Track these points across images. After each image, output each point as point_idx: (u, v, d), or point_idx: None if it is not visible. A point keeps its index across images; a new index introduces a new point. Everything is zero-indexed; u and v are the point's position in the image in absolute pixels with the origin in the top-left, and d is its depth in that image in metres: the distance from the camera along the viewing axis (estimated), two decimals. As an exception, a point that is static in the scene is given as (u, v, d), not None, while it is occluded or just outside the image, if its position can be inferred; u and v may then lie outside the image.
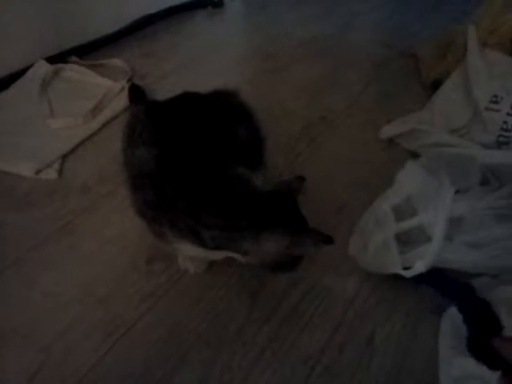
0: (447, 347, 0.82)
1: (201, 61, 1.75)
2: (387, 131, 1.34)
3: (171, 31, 1.95)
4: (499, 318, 0.79)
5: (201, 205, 0.71)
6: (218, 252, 0.76)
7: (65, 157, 1.26)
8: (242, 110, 0.92)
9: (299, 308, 0.91)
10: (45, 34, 1.60)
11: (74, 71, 1.60)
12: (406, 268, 0.85)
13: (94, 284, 0.94)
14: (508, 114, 1.15)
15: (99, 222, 1.07)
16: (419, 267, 0.83)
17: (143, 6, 1.95)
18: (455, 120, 1.27)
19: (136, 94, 1.17)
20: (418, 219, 0.88)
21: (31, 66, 1.56)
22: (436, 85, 1.46)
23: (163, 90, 0.94)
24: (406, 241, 0.90)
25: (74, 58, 1.67)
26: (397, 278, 0.88)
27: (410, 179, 0.96)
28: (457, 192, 0.86)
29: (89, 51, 1.74)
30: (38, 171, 1.19)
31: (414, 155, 1.24)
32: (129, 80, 1.56)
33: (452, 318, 0.85)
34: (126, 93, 1.45)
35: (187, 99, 0.92)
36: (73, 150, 1.28)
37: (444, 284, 0.88)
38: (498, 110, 1.17)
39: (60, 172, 1.21)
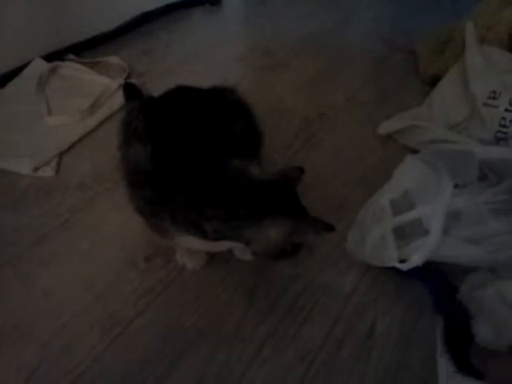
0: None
1: (199, 58, 1.74)
2: (385, 127, 1.34)
3: (169, 29, 1.95)
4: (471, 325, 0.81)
5: (201, 197, 0.72)
6: (219, 243, 0.76)
7: (62, 154, 1.26)
8: (240, 105, 0.92)
9: (298, 303, 0.91)
10: (42, 32, 1.59)
11: (71, 69, 1.60)
12: (402, 261, 0.85)
13: (92, 281, 0.94)
14: (506, 110, 1.15)
15: (97, 219, 1.07)
16: (415, 260, 0.83)
17: (141, 4, 1.94)
18: (453, 116, 1.27)
19: (131, 92, 1.16)
20: (416, 212, 0.88)
21: (28, 63, 1.56)
22: (434, 81, 1.46)
23: (161, 87, 0.93)
24: (404, 234, 0.90)
25: (71, 56, 1.66)
26: (395, 272, 0.88)
27: (408, 173, 0.96)
28: (455, 187, 0.86)
29: (86, 49, 1.73)
30: (36, 169, 1.18)
31: (413, 151, 1.24)
32: (126, 78, 1.55)
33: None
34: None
35: (183, 94, 0.92)
36: (70, 148, 1.28)
37: (427, 281, 0.90)
38: (496, 106, 1.16)
39: (57, 170, 1.21)
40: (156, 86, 1.00)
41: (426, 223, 0.85)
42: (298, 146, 1.31)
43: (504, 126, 1.15)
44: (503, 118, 1.15)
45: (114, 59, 1.67)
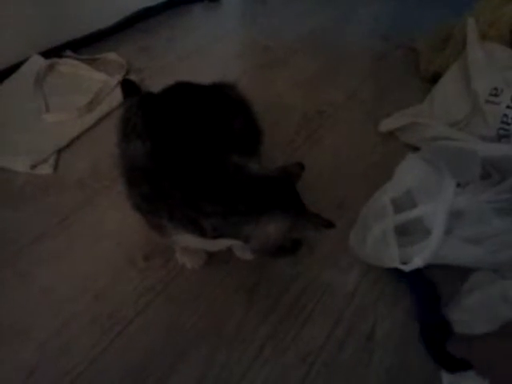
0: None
1: (198, 54, 1.73)
2: (386, 125, 1.33)
3: (168, 25, 1.93)
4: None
5: (199, 194, 0.71)
6: (217, 241, 0.75)
7: (60, 152, 1.25)
8: (239, 102, 0.91)
9: (298, 303, 0.90)
10: (39, 28, 1.58)
11: (69, 66, 1.58)
12: (404, 262, 0.85)
13: (90, 280, 0.93)
14: (508, 107, 1.14)
15: (96, 217, 1.06)
16: (417, 262, 0.83)
17: (139, 0, 1.93)
18: (455, 113, 1.26)
19: (130, 88, 1.15)
20: (418, 211, 0.87)
21: (26, 60, 1.54)
22: (435, 78, 1.45)
23: (160, 84, 0.92)
24: (406, 232, 0.89)
25: (69, 53, 1.65)
26: (391, 271, 0.87)
27: (410, 172, 0.95)
28: (457, 185, 0.85)
29: (84, 45, 1.71)
30: (33, 166, 1.17)
31: (414, 149, 1.23)
32: (125, 74, 1.54)
33: (453, 314, 0.85)
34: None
35: (182, 90, 0.91)
36: (68, 145, 1.27)
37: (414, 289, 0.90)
38: (498, 103, 1.16)
39: (55, 167, 1.19)
40: (155, 83, 0.99)
41: (428, 222, 0.85)
42: (298, 143, 1.30)
43: (506, 123, 1.14)
44: (505, 115, 1.14)
45: (112, 56, 1.65)
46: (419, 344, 0.84)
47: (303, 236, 0.78)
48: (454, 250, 0.85)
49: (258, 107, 0.93)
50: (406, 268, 0.84)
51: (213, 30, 1.94)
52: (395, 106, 1.41)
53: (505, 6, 1.33)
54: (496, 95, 1.17)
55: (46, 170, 1.18)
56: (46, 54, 1.58)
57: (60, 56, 1.62)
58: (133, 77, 1.50)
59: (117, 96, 1.41)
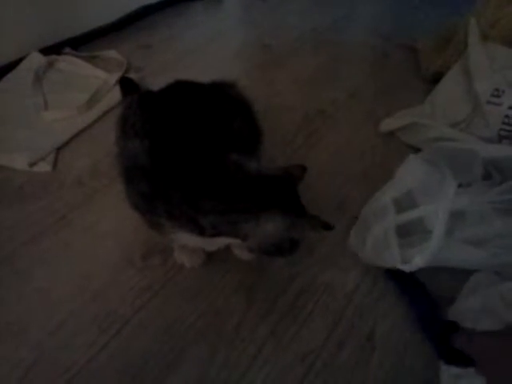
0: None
1: (198, 53, 1.72)
2: (387, 125, 1.33)
3: (168, 23, 1.92)
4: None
5: (197, 191, 0.70)
6: (216, 240, 0.75)
7: (59, 150, 1.24)
8: (240, 101, 0.90)
9: (298, 303, 0.89)
10: (39, 25, 1.57)
11: (68, 63, 1.57)
12: (405, 262, 0.84)
13: (88, 279, 0.92)
14: (510, 108, 1.13)
15: (94, 216, 1.06)
16: (418, 262, 0.82)
17: (139, -2, 1.92)
18: (456, 114, 1.26)
19: (128, 86, 1.14)
20: (419, 211, 0.87)
21: (25, 57, 1.53)
22: (436, 78, 1.44)
23: (159, 82, 0.91)
24: (406, 234, 0.89)
25: (68, 50, 1.64)
26: (388, 275, 0.87)
27: (411, 172, 0.94)
28: (459, 186, 0.85)
29: (84, 43, 1.71)
30: (32, 164, 1.17)
31: (415, 149, 1.23)
32: (124, 72, 1.53)
33: (453, 315, 0.85)
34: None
35: (181, 89, 0.90)
36: (67, 143, 1.26)
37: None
38: (499, 104, 1.15)
39: (54, 165, 1.19)
40: (154, 81, 0.99)
41: (429, 223, 0.84)
42: (298, 143, 1.29)
43: (507, 124, 1.13)
44: (506, 116, 1.14)
45: (112, 53, 1.65)
46: (419, 344, 0.83)
47: (301, 237, 0.77)
48: (456, 252, 0.84)
49: (257, 106, 0.93)
50: (407, 268, 0.83)
51: (213, 28, 1.93)
52: (396, 106, 1.40)
53: (506, 7, 1.32)
54: (497, 96, 1.16)
55: (44, 167, 1.17)
56: (46, 51, 1.58)
57: (59, 53, 1.61)
58: (132, 75, 1.49)
59: (116, 94, 1.40)
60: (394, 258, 0.85)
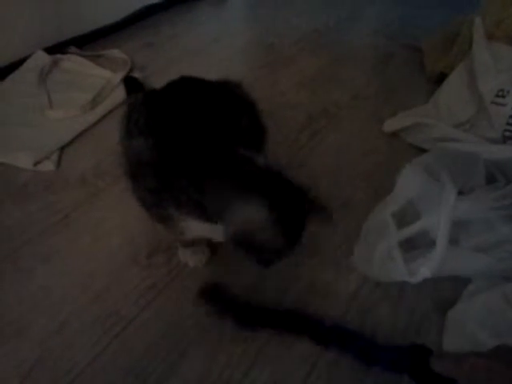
0: (451, 345, 0.81)
1: (202, 52, 1.73)
2: (391, 125, 1.32)
3: (172, 22, 1.93)
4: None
5: (203, 174, 0.69)
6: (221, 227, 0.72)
7: (63, 148, 1.24)
8: (244, 100, 0.90)
9: (300, 304, 0.89)
10: (44, 24, 1.58)
11: (73, 62, 1.58)
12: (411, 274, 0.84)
13: (91, 278, 0.92)
14: (514, 109, 1.13)
15: (97, 215, 1.06)
16: (424, 273, 0.82)
17: (144, -4, 1.93)
18: (460, 114, 1.25)
19: (133, 85, 1.14)
20: (421, 224, 0.86)
21: (29, 56, 1.54)
22: (441, 78, 1.44)
23: (163, 81, 0.91)
24: (412, 247, 0.88)
25: (73, 49, 1.65)
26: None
27: (410, 182, 0.93)
28: (461, 193, 0.84)
29: (88, 42, 1.72)
30: (36, 163, 1.17)
31: (418, 149, 1.22)
32: (129, 71, 1.54)
33: (456, 316, 0.84)
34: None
35: (186, 86, 0.90)
36: (71, 142, 1.27)
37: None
38: (504, 104, 1.15)
39: (58, 164, 1.19)
40: (158, 80, 0.98)
41: (433, 234, 0.83)
42: (302, 142, 1.29)
43: (512, 125, 1.13)
44: (511, 117, 1.13)
45: (116, 52, 1.65)
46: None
47: (288, 243, 0.71)
48: (463, 260, 0.83)
49: (261, 106, 0.92)
50: (414, 280, 0.83)
51: (217, 27, 1.94)
52: (400, 106, 1.40)
53: (512, 7, 1.31)
54: (502, 96, 1.15)
55: (48, 166, 1.17)
56: (50, 50, 1.59)
57: (64, 52, 1.62)
58: (136, 74, 1.50)
59: (120, 93, 1.40)
60: (399, 272, 0.84)
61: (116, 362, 0.80)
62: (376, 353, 0.80)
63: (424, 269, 0.81)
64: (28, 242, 0.99)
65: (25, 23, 1.51)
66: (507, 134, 1.13)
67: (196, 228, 0.76)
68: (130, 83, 1.18)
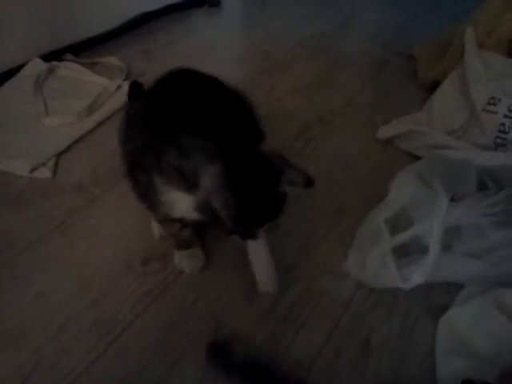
0: (444, 350, 0.82)
1: (197, 59, 1.72)
2: (385, 132, 1.34)
3: (168, 30, 1.94)
4: None
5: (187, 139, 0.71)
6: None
7: (59, 155, 1.25)
8: (243, 101, 0.90)
9: (295, 309, 0.90)
10: (40, 32, 1.59)
11: (69, 69, 1.59)
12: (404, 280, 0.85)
13: (88, 284, 0.93)
14: (505, 116, 1.15)
15: (94, 221, 1.06)
16: (416, 279, 0.83)
17: (140, 4, 1.94)
18: (452, 121, 1.27)
19: (136, 91, 1.15)
20: (413, 230, 0.86)
21: (26, 63, 1.55)
22: (434, 86, 1.45)
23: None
24: (405, 254, 0.89)
25: (69, 56, 1.66)
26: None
27: (403, 189, 0.94)
28: (453, 200, 0.85)
29: (85, 49, 1.72)
30: (33, 170, 1.18)
31: (412, 156, 1.24)
32: (125, 78, 1.55)
33: (449, 321, 0.85)
34: (122, 91, 1.44)
35: (184, 82, 0.91)
36: (68, 149, 1.27)
37: None
38: (495, 112, 1.16)
39: (54, 171, 1.20)
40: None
41: (426, 240, 0.84)
42: (297, 149, 1.31)
43: (503, 132, 1.14)
44: (502, 124, 1.15)
45: (112, 60, 1.66)
46: (415, 351, 0.84)
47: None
48: (456, 266, 0.85)
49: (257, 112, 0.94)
50: (407, 286, 0.84)
51: (213, 34, 1.95)
52: (394, 113, 1.41)
53: (503, 16, 1.33)
54: (494, 104, 1.17)
55: (45, 173, 1.18)
56: (47, 57, 1.59)
57: (60, 59, 1.63)
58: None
59: (117, 100, 1.42)
60: (393, 278, 0.85)
61: (112, 367, 0.80)
62: None
63: (416, 275, 0.82)
64: (25, 248, 0.99)
65: (21, 31, 1.51)
66: (498, 141, 1.15)
67: (180, 205, 0.75)
68: (135, 89, 1.18)
